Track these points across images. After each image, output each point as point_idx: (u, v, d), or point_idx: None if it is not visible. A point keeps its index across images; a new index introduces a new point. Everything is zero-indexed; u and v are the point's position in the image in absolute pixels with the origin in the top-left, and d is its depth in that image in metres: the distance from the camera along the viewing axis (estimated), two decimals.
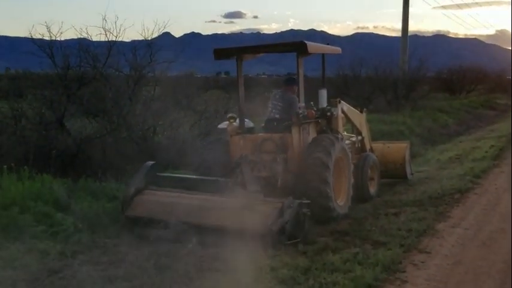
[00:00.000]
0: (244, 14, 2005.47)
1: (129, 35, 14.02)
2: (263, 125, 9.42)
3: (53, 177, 9.09)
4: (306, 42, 8.53)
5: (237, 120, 9.17)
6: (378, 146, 11.68)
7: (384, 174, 11.00)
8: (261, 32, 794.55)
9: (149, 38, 13.24)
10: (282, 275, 5.87)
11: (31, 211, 7.68)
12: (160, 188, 8.24)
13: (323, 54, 9.93)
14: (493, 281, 5.87)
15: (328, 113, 9.26)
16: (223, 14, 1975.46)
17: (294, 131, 8.58)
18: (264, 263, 6.27)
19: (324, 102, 9.61)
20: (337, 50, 10.24)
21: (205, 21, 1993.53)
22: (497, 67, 67.50)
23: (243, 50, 9.34)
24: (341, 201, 8.67)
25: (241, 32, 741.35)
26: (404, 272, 6.09)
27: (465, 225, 8.08)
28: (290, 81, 9.63)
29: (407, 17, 29.60)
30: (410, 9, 31.48)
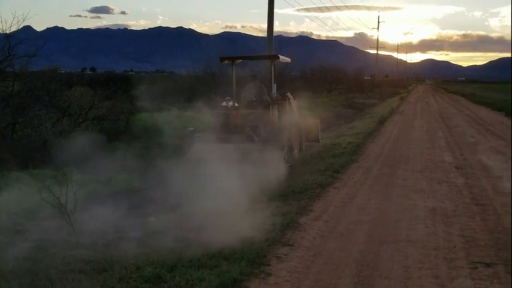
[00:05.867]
0: (112, 10, 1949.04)
1: None
2: (244, 104, 13.95)
3: None
4: (279, 55, 14.77)
5: (231, 102, 13.77)
6: (300, 120, 15.61)
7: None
8: (129, 28, 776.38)
9: (7, 31, 12.59)
10: (147, 274, 5.82)
11: None
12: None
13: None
14: (350, 270, 6.21)
15: (287, 98, 14.91)
16: (89, 9, 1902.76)
17: (271, 108, 13.41)
18: (128, 263, 6.20)
19: (274, 92, 14.54)
20: (289, 60, 16.03)
21: (70, 16, 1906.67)
22: (355, 68, 71.52)
23: (236, 58, 14.78)
24: (296, 151, 14.06)
25: (107, 28, 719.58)
26: (268, 265, 6.28)
27: (325, 217, 8.49)
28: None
29: (273, 18, 30.27)
30: (276, 11, 32.37)
